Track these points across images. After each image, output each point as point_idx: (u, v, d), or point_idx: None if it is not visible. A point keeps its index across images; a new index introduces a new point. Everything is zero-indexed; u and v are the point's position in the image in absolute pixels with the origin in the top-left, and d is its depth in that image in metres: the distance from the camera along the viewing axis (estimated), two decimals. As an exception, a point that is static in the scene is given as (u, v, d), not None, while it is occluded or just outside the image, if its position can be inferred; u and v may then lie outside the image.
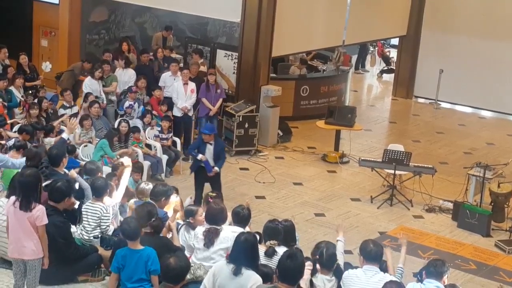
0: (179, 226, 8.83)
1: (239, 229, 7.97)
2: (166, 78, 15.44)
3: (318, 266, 7.59)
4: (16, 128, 12.93)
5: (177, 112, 14.99)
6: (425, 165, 13.90)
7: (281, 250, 7.75)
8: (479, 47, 19.42)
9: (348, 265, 8.00)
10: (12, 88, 14.28)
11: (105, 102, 14.85)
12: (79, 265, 8.89)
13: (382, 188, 14.04)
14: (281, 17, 16.17)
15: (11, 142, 11.59)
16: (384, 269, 7.73)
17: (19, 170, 9.67)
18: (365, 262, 7.48)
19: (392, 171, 13.61)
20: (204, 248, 8.02)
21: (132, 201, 9.64)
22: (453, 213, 13.17)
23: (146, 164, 13.23)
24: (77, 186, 9.36)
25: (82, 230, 9.03)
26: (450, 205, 13.37)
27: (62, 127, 13.22)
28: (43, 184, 8.41)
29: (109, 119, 14.70)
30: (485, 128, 18.87)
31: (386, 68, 23.82)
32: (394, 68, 22.19)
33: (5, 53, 15.60)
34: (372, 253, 7.44)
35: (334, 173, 15.07)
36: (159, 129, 14.26)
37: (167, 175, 13.99)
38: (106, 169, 11.79)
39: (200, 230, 8.15)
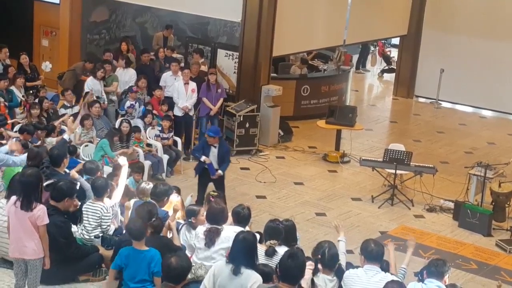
0: (180, 226, 8.84)
1: (240, 229, 7.96)
2: (167, 77, 15.44)
3: (320, 265, 7.59)
4: (17, 128, 12.93)
5: (178, 112, 14.99)
6: (426, 165, 13.90)
7: (282, 249, 7.74)
8: (479, 47, 19.42)
9: (349, 265, 8.00)
10: (13, 87, 14.29)
11: (106, 102, 14.85)
12: (80, 265, 8.89)
13: (383, 188, 14.04)
14: (282, 16, 16.17)
15: (12, 142, 11.58)
16: (385, 268, 7.73)
17: (20, 167, 9.72)
18: (366, 262, 7.48)
19: (393, 171, 13.61)
20: (205, 247, 8.02)
21: (132, 201, 9.64)
22: (454, 213, 13.17)
23: (147, 163, 13.24)
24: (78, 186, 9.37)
25: (82, 229, 9.04)
26: (451, 205, 13.37)
27: (63, 127, 13.23)
28: (44, 184, 8.42)
29: (110, 119, 14.71)
30: (486, 128, 18.87)
31: (386, 67, 23.82)
32: (395, 67, 22.20)
33: (6, 53, 15.60)
34: (373, 253, 7.44)
35: (335, 172, 15.07)
36: (160, 128, 14.26)
37: (168, 174, 13.98)
38: (107, 169, 11.80)
39: (201, 229, 8.15)
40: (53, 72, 16.59)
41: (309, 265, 7.22)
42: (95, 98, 14.34)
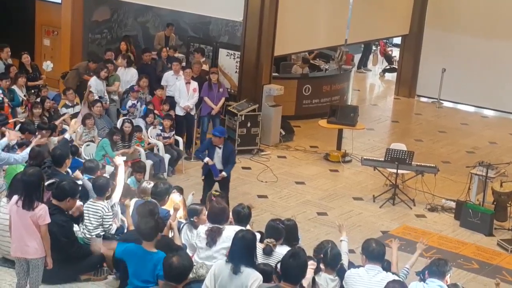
0: (182, 225, 8.84)
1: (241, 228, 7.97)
2: (168, 77, 15.45)
3: (322, 265, 7.59)
4: (17, 127, 12.92)
5: (179, 111, 14.99)
6: (428, 164, 13.90)
7: (283, 249, 7.75)
8: (481, 46, 19.41)
9: (351, 265, 8.00)
10: (14, 87, 14.29)
11: (108, 102, 14.86)
12: (81, 264, 8.88)
13: (384, 187, 14.04)
14: (284, 16, 16.18)
15: (13, 141, 11.58)
16: (386, 268, 7.73)
17: (22, 166, 9.72)
18: (367, 262, 7.47)
19: (395, 170, 13.61)
20: (207, 247, 8.02)
21: (133, 200, 9.64)
22: (456, 212, 13.16)
23: (149, 163, 13.25)
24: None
25: (84, 229, 9.03)
26: (453, 204, 13.36)
27: (65, 127, 13.23)
28: (46, 183, 8.41)
29: (111, 118, 14.72)
30: (488, 127, 18.86)
31: (388, 67, 23.82)
32: (397, 67, 22.19)
33: (8, 52, 15.61)
34: (374, 253, 7.43)
35: (336, 172, 15.07)
36: (161, 128, 14.26)
37: (169, 174, 13.98)
38: (109, 169, 11.80)
39: (203, 229, 8.15)
40: (54, 72, 16.60)
41: (311, 265, 7.23)
42: (97, 98, 14.35)
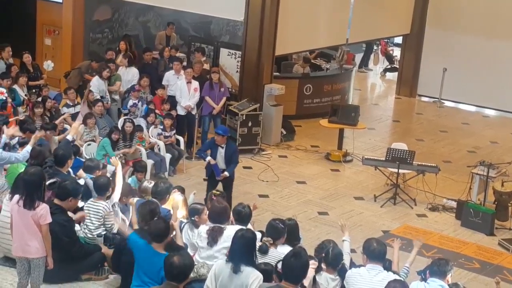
0: (183, 224, 8.83)
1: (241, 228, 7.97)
2: (169, 76, 15.45)
3: (323, 264, 7.60)
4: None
5: (180, 111, 14.99)
6: (429, 164, 13.89)
7: (284, 249, 7.76)
8: (482, 46, 19.40)
9: (353, 265, 8.00)
10: (15, 86, 14.31)
11: (109, 102, 14.86)
12: (82, 264, 8.90)
13: (385, 187, 14.04)
14: (285, 15, 16.18)
15: (14, 141, 11.60)
16: (387, 267, 7.73)
17: (24, 166, 9.72)
18: (368, 261, 7.47)
19: (396, 170, 13.61)
20: (208, 246, 8.02)
21: (134, 199, 9.64)
22: (457, 212, 13.16)
23: (150, 162, 13.25)
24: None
25: (85, 228, 9.03)
26: (454, 204, 13.36)
27: (66, 126, 13.24)
28: (47, 183, 8.42)
29: (112, 118, 14.73)
30: (489, 127, 18.85)
31: (389, 66, 23.82)
32: (398, 66, 22.18)
33: (9, 52, 15.63)
34: (375, 252, 7.43)
35: (337, 171, 15.07)
36: (162, 127, 14.26)
37: (170, 173, 13.98)
38: (110, 168, 11.79)
39: (204, 228, 8.15)
40: (55, 71, 16.61)
41: (312, 264, 7.23)
42: (98, 97, 14.36)
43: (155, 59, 16.67)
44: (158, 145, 13.95)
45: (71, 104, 14.57)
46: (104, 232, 9.07)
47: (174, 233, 8.59)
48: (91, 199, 9.16)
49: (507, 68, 19.15)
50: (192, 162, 14.66)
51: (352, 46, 20.10)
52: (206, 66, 16.15)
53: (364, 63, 24.14)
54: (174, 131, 14.36)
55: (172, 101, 15.03)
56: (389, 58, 24.09)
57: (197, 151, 13.48)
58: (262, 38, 15.95)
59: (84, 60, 17.55)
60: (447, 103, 20.31)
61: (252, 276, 6.80)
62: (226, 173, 12.01)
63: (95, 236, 9.06)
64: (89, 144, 13.19)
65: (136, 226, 8.58)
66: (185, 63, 16.19)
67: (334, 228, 12.08)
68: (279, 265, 7.08)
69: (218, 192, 9.59)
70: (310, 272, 7.07)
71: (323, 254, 7.67)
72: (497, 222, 12.82)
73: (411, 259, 8.20)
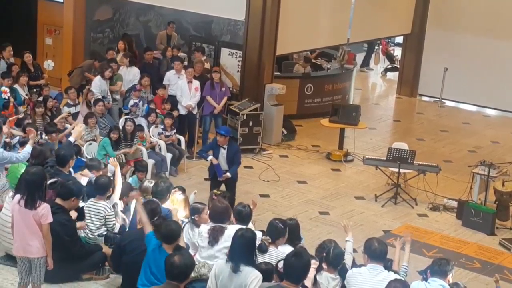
0: (183, 224, 8.84)
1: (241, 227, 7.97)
2: (170, 76, 15.45)
3: (324, 264, 7.60)
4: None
5: (181, 110, 15.00)
6: (430, 164, 13.89)
7: (286, 249, 7.76)
8: (483, 46, 19.39)
9: (355, 265, 8.00)
10: (16, 86, 14.31)
11: (111, 102, 14.86)
12: (83, 264, 8.91)
13: (386, 187, 14.04)
14: (286, 15, 16.17)
15: (15, 140, 11.61)
16: (388, 267, 7.73)
17: (25, 166, 9.73)
18: (369, 261, 7.48)
19: (397, 170, 13.60)
20: (209, 246, 8.02)
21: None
22: (458, 212, 13.16)
23: (151, 162, 13.25)
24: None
25: (86, 229, 9.03)
26: (455, 204, 13.35)
27: (66, 125, 13.23)
28: (47, 183, 8.42)
29: (113, 117, 14.73)
30: (490, 127, 18.85)
31: (390, 66, 23.81)
32: (398, 66, 22.18)
33: (10, 51, 15.63)
34: (376, 252, 7.44)
35: (338, 171, 15.07)
36: (162, 126, 14.26)
37: (173, 173, 13.95)
38: (111, 168, 11.79)
39: (205, 228, 8.15)
40: (56, 71, 16.61)
41: (313, 264, 7.24)
42: (100, 97, 14.36)
43: (156, 58, 16.67)
44: (159, 145, 13.95)
45: (72, 103, 14.57)
46: (105, 232, 9.08)
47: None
48: (91, 199, 9.17)
49: (508, 67, 19.14)
50: (193, 161, 14.66)
51: (353, 46, 20.09)
52: (207, 65, 16.15)
53: (365, 63, 24.14)
54: (175, 131, 14.36)
55: (173, 100, 15.03)
56: (390, 57, 24.09)
57: (198, 151, 13.47)
58: (263, 38, 15.95)
59: (85, 60, 17.56)
60: (448, 103, 20.30)
61: (251, 276, 6.81)
62: (228, 174, 11.95)
63: (96, 236, 9.06)
64: (90, 144, 13.19)
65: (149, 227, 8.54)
66: (186, 63, 16.19)
67: (335, 228, 12.09)
68: (280, 265, 7.09)
69: (219, 192, 9.59)
70: (311, 272, 7.08)
71: (324, 254, 7.67)
72: (498, 222, 12.81)
73: (407, 257, 8.20)
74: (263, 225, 8.86)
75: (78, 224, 8.91)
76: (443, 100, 20.23)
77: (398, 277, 7.39)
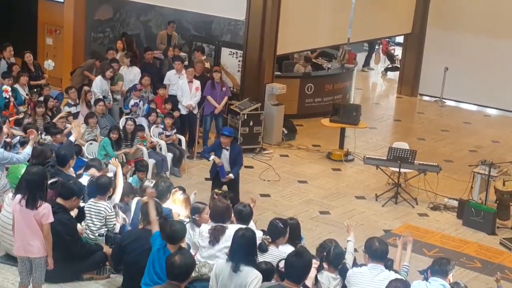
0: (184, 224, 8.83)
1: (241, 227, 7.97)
2: (171, 76, 15.45)
3: (325, 264, 7.60)
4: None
5: (182, 110, 15.00)
6: (430, 163, 13.89)
7: (286, 248, 7.76)
8: (484, 45, 19.40)
9: (355, 265, 8.00)
10: (17, 86, 14.31)
11: (111, 102, 14.86)
12: (84, 263, 8.90)
13: (387, 186, 14.04)
14: (286, 15, 16.18)
15: (16, 140, 11.62)
16: (389, 266, 7.73)
17: (25, 166, 9.73)
18: (370, 260, 7.47)
19: (397, 169, 13.60)
20: (209, 246, 8.02)
21: (135, 199, 9.64)
22: (458, 211, 13.15)
23: (151, 162, 13.25)
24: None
25: (86, 229, 9.03)
26: (455, 203, 13.35)
27: (67, 125, 13.23)
28: (48, 182, 8.42)
29: (114, 117, 14.73)
30: (490, 126, 18.85)
31: (390, 66, 23.81)
32: (399, 66, 22.17)
33: (10, 51, 15.63)
34: (377, 252, 7.44)
35: (339, 171, 15.07)
36: (162, 126, 14.26)
37: (177, 174, 13.92)
38: (112, 168, 11.78)
39: (206, 228, 8.15)
40: (56, 71, 16.61)
41: (314, 264, 7.23)
42: (100, 97, 14.36)
43: (157, 58, 16.67)
44: (159, 145, 13.95)
45: (73, 103, 14.57)
46: (106, 232, 9.07)
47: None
48: (92, 200, 9.15)
49: (509, 67, 19.14)
50: (194, 161, 14.66)
51: (353, 46, 20.10)
52: (207, 65, 16.16)
53: (367, 63, 24.14)
54: (175, 130, 14.36)
55: (174, 100, 15.03)
56: (390, 57, 24.09)
57: (200, 153, 13.45)
58: (264, 38, 15.95)
59: (86, 60, 17.56)
60: (449, 102, 20.30)
61: (251, 275, 6.80)
62: (231, 175, 11.95)
63: (97, 236, 9.06)
64: (90, 144, 13.19)
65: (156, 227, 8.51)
66: (186, 63, 16.19)
67: (335, 228, 12.09)
68: (281, 264, 7.09)
69: (220, 191, 9.58)
70: (312, 272, 7.08)
71: (325, 253, 7.68)
72: (499, 221, 12.81)
73: (408, 256, 8.21)
74: (263, 224, 8.86)
75: (78, 228, 8.91)
76: (443, 100, 20.24)
77: (398, 276, 7.40)
